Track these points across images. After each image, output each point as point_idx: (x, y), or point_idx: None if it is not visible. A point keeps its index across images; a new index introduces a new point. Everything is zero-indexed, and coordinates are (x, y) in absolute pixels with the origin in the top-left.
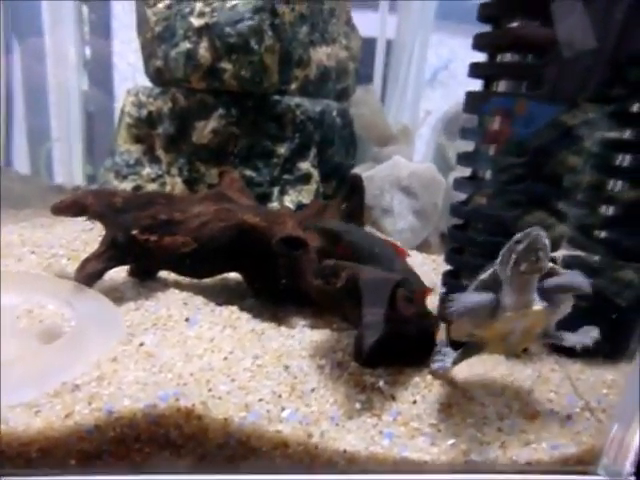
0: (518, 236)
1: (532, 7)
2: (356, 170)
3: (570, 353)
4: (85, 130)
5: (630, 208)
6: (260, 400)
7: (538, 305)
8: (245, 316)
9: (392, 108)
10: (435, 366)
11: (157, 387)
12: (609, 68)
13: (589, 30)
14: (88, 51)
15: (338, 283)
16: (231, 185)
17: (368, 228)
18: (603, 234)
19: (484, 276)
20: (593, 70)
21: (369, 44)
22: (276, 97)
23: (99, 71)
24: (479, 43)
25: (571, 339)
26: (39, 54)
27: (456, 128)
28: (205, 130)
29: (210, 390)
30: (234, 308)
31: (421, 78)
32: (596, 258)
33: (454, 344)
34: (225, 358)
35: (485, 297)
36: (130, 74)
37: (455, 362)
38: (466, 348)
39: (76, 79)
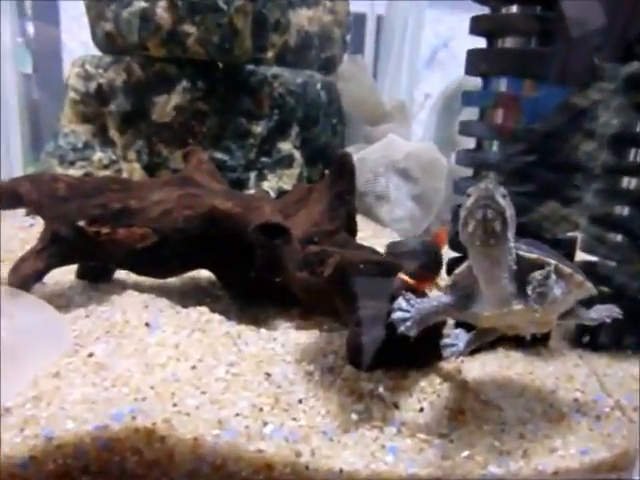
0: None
1: None
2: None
3: (595, 346)
4: (29, 119)
5: None
6: (237, 415)
7: (519, 304)
8: (217, 318)
9: (385, 84)
10: (448, 352)
11: (109, 404)
12: (619, 46)
13: (598, 8)
14: (31, 29)
15: (325, 272)
16: (198, 167)
17: (360, 218)
18: (626, 211)
19: (459, 269)
20: (602, 49)
21: (359, 20)
22: (250, 67)
23: (45, 51)
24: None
25: (589, 316)
26: None
27: (458, 105)
28: (167, 106)
29: (175, 405)
30: (204, 309)
31: (416, 56)
32: (613, 260)
33: (464, 325)
34: (193, 367)
35: (433, 303)
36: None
37: (469, 345)
38: (479, 330)
39: (12, 62)
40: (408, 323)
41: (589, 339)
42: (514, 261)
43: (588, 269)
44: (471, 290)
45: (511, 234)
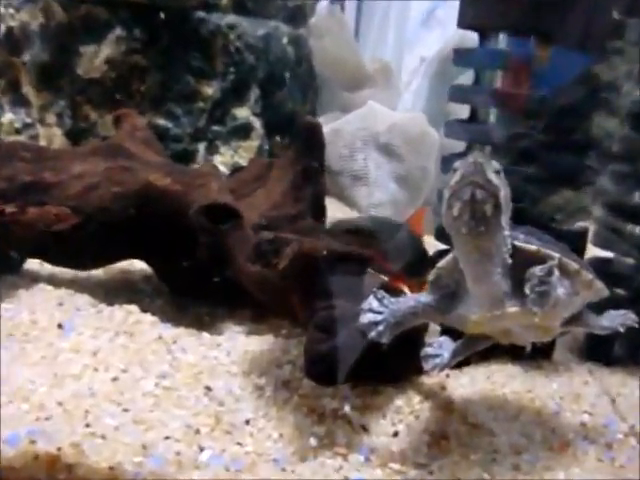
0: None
1: None
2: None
3: (607, 360)
4: None
5: None
6: (166, 438)
7: (514, 305)
8: (149, 319)
9: (368, 43)
10: (430, 364)
11: (3, 425)
12: None
13: None
14: None
15: (280, 264)
16: (132, 134)
17: (332, 201)
18: None
19: (443, 262)
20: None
21: None
22: (200, 14)
23: None
24: None
25: (599, 323)
26: None
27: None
28: (96, 59)
29: (88, 425)
30: (133, 308)
31: (407, 11)
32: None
33: (450, 331)
34: (114, 379)
35: (410, 303)
36: None
37: (455, 355)
38: (468, 338)
39: None
40: (380, 328)
41: (601, 351)
42: (509, 253)
43: (601, 267)
44: (457, 288)
45: (505, 220)
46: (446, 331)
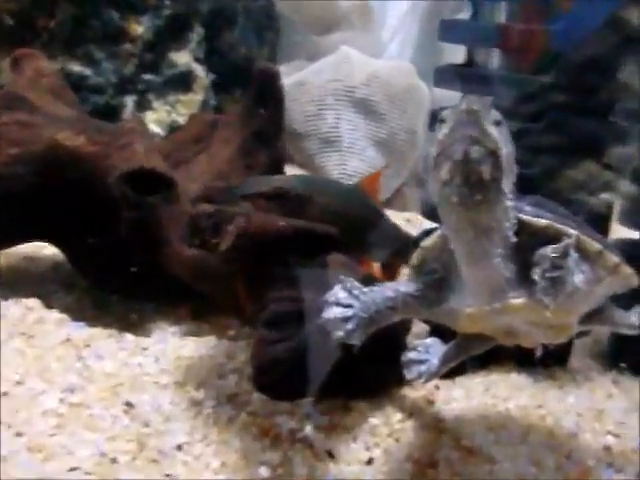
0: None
1: None
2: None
3: (636, 368)
4: None
5: None
6: (73, 470)
7: (520, 296)
8: (55, 317)
9: None
10: (414, 372)
11: None
12: None
13: None
14: None
15: (221, 244)
16: (35, 81)
17: (296, 171)
18: None
19: (428, 241)
20: None
21: None
22: None
23: None
24: None
25: (627, 320)
26: None
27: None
28: None
29: None
30: (33, 303)
31: None
32: None
33: (440, 331)
34: (5, 393)
35: (388, 294)
36: None
37: (446, 361)
38: (462, 338)
39: None
40: (349, 326)
41: (628, 357)
42: (513, 229)
43: (628, 250)
44: (447, 274)
45: (508, 186)
46: (434, 331)
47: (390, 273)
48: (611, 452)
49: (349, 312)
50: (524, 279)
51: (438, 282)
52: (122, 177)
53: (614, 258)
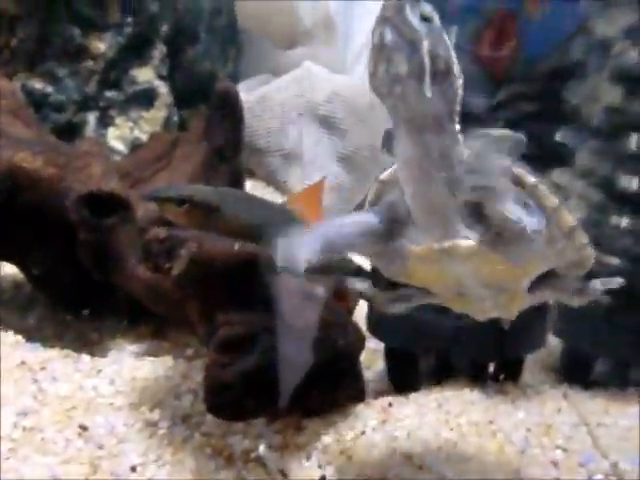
0: None
1: None
2: (241, 87)
3: (587, 382)
4: None
5: None
6: None
7: (468, 237)
8: (11, 339)
9: None
10: (357, 284)
11: None
12: None
13: None
14: None
15: (174, 268)
16: None
17: (258, 186)
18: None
19: (386, 174)
20: None
21: None
22: None
23: None
24: None
25: (589, 285)
26: None
27: None
28: None
29: None
30: None
31: None
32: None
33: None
34: None
35: (355, 218)
36: None
37: (384, 289)
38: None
39: None
40: (308, 246)
41: (579, 370)
42: (461, 156)
43: None
44: (401, 209)
45: (448, 100)
46: (391, 356)
47: (343, 300)
48: (558, 466)
49: (311, 237)
50: (476, 221)
51: (393, 216)
52: (79, 200)
53: (571, 219)
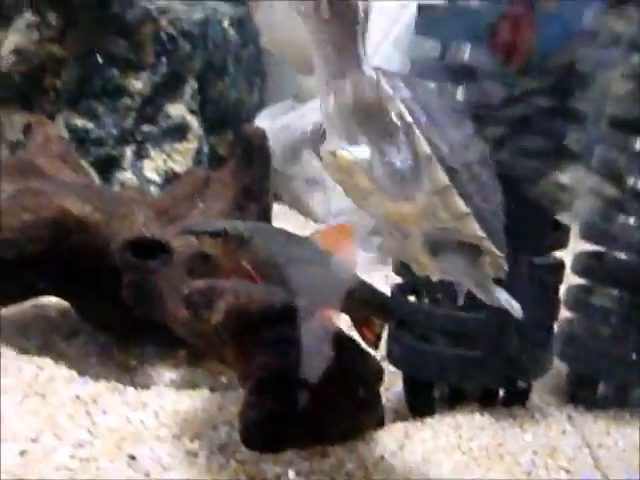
0: None
1: None
2: (265, 114)
3: (591, 403)
4: None
5: None
6: None
7: (350, 148)
8: (64, 374)
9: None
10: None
11: None
12: None
13: None
14: None
15: (212, 318)
16: (45, 148)
17: (285, 210)
18: None
19: None
20: None
21: None
22: None
23: None
24: None
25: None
26: None
27: None
28: (2, 48)
29: None
30: (45, 362)
31: None
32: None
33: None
34: (23, 452)
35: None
36: None
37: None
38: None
39: None
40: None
41: (583, 393)
42: (364, 73)
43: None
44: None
45: (352, 13)
46: (409, 383)
47: (370, 334)
48: None
49: None
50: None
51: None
52: (124, 246)
53: (443, 178)
